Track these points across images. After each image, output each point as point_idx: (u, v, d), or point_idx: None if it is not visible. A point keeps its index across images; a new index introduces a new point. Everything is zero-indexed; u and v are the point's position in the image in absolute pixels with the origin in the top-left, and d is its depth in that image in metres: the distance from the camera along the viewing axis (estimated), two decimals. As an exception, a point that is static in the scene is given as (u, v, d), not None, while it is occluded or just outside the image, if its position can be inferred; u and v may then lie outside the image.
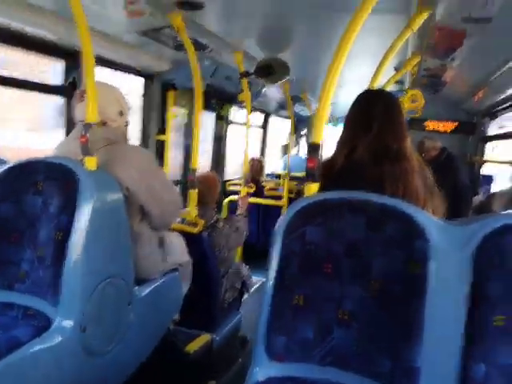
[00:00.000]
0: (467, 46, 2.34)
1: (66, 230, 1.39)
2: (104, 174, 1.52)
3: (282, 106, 5.39)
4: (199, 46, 2.46)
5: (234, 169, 5.35)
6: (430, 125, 4.93)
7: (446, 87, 3.64)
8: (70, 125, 2.34)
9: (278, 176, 5.73)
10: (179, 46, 2.41)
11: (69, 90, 2.34)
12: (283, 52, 2.90)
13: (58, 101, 2.48)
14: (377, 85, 2.22)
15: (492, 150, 4.63)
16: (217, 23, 2.39)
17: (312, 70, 3.59)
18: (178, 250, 2.00)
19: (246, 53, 2.86)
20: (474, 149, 4.78)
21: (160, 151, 3.18)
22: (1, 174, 1.54)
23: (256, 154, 5.66)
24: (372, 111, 1.46)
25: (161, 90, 3.11)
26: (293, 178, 4.54)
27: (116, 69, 2.69)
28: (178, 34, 2.17)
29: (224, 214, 3.77)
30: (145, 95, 3.09)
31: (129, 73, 2.84)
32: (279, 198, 4.35)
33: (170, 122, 3.13)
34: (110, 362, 1.56)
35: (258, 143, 6.08)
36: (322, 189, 1.33)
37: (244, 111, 3.36)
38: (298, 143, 7.14)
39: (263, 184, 4.82)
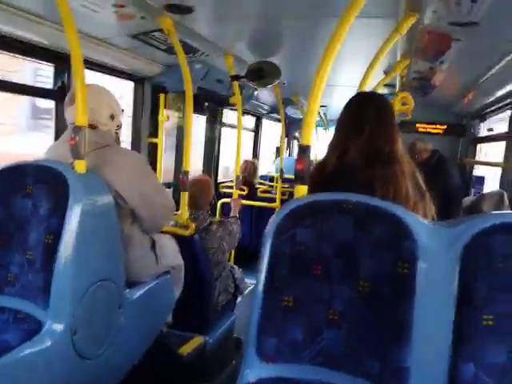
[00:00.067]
0: (455, 50, 2.37)
1: (55, 233, 1.39)
2: (94, 176, 1.52)
3: (274, 109, 5.41)
4: (190, 50, 2.47)
5: (228, 171, 5.36)
6: (421, 127, 4.97)
7: (435, 90, 3.68)
8: (59, 128, 2.33)
9: (272, 178, 5.75)
10: (170, 49, 2.41)
11: (58, 93, 2.33)
12: (274, 55, 2.91)
13: (34, 103, 2.46)
14: (366, 88, 2.24)
15: (485, 154, 4.69)
16: (207, 27, 2.40)
17: (303, 74, 3.61)
18: (170, 253, 2.00)
19: (236, 56, 2.87)
20: (465, 151, 4.83)
21: (152, 154, 3.18)
22: None
23: (250, 157, 5.67)
24: (364, 114, 1.47)
25: (152, 93, 3.11)
26: (286, 180, 4.55)
27: (106, 72, 2.69)
28: (168, 38, 2.17)
29: (217, 216, 3.77)
30: (136, 98, 3.09)
31: (119, 76, 2.83)
32: (272, 200, 4.36)
33: (162, 125, 3.13)
34: (101, 365, 1.55)
35: (251, 146, 6.10)
36: (313, 191, 1.34)
37: (236, 114, 3.36)
38: (289, 146, 7.17)
39: (256, 186, 4.83)
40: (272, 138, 6.80)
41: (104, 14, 1.98)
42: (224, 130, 4.79)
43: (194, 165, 4.48)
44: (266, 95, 4.41)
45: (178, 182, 3.30)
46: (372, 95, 1.64)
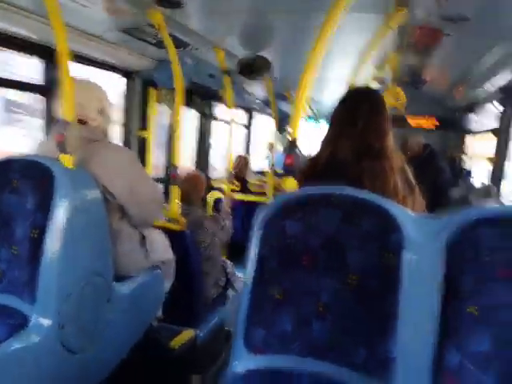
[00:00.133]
0: (446, 44, 2.38)
1: (41, 228, 1.38)
2: (81, 171, 1.51)
3: (266, 104, 5.40)
4: (180, 44, 2.46)
5: (219, 166, 5.35)
6: (412, 121, 5.00)
7: (426, 84, 3.70)
8: (49, 123, 2.31)
9: (264, 173, 5.75)
10: (160, 44, 2.40)
11: (48, 88, 2.31)
12: (265, 50, 2.91)
13: (5, 96, 2.41)
14: (357, 82, 2.25)
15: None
16: (197, 21, 2.39)
17: (294, 68, 3.60)
18: (160, 248, 2.00)
19: (227, 51, 2.86)
20: (455, 144, 4.87)
21: (143, 149, 3.17)
22: None
23: (242, 152, 5.67)
24: (358, 110, 1.47)
25: (142, 88, 3.09)
26: (278, 175, 4.55)
27: (96, 66, 2.66)
28: (158, 32, 2.16)
29: (209, 211, 3.78)
30: (126, 93, 3.07)
31: (109, 70, 2.81)
32: (265, 194, 4.36)
33: (152, 120, 3.12)
34: (90, 360, 1.56)
35: (243, 141, 6.08)
36: (306, 184, 1.35)
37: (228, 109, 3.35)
38: (281, 140, 7.15)
39: (249, 181, 4.83)
40: (263, 134, 6.78)
41: (94, 9, 1.96)
42: (217, 125, 4.77)
43: (186, 160, 4.47)
44: (257, 90, 4.40)
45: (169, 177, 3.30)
46: (367, 91, 1.63)
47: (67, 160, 1.45)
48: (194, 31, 2.48)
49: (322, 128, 6.19)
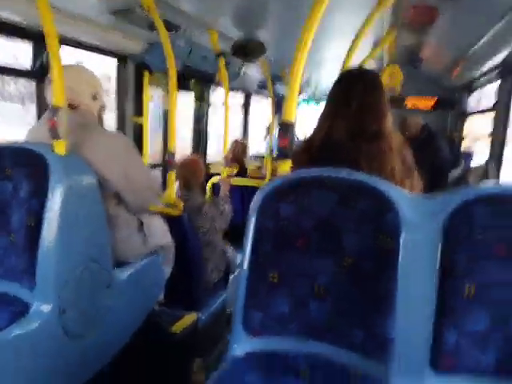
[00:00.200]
0: (442, 22, 2.34)
1: (37, 215, 1.38)
2: (75, 157, 1.50)
3: (263, 86, 5.34)
4: (172, 26, 2.41)
5: (216, 151, 5.31)
6: (410, 102, 4.95)
7: (424, 63, 3.66)
8: (41, 109, 2.29)
9: (263, 157, 5.72)
10: (152, 26, 2.35)
11: (38, 73, 2.27)
12: (259, 31, 2.86)
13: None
14: (353, 62, 2.22)
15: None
16: (189, 2, 2.34)
17: (290, 49, 3.55)
18: (159, 233, 2.00)
19: (221, 32, 2.81)
20: (454, 124, 4.83)
21: (138, 135, 3.14)
22: None
23: (240, 136, 5.63)
24: (352, 90, 1.45)
25: (135, 72, 3.04)
26: (276, 158, 4.52)
27: (87, 50, 2.61)
28: (149, 14, 2.11)
29: (207, 196, 3.77)
30: (118, 77, 3.01)
31: (101, 54, 2.75)
32: (263, 178, 4.36)
33: (147, 105, 3.08)
34: (91, 345, 1.57)
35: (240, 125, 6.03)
36: (301, 166, 1.34)
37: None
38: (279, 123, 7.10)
39: (247, 165, 4.81)
40: (261, 117, 6.72)
41: None
42: (214, 109, 4.72)
43: (183, 144, 4.44)
44: (254, 72, 4.35)
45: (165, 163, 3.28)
46: (362, 72, 1.60)
47: (60, 146, 1.43)
48: (185, 13, 2.43)
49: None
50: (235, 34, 2.88)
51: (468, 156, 4.32)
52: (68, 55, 2.50)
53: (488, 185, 1.41)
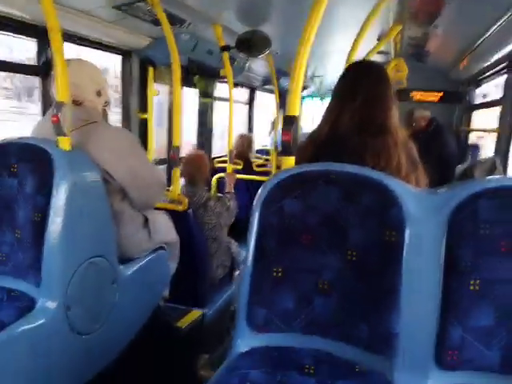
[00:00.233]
0: (449, 13, 2.31)
1: (43, 211, 1.38)
2: (79, 153, 1.50)
3: (268, 81, 5.31)
4: (176, 20, 2.40)
5: (221, 146, 5.30)
6: (416, 95, 4.91)
7: (430, 56, 3.62)
8: (46, 105, 2.29)
9: (268, 152, 5.71)
10: (156, 21, 2.34)
11: (43, 69, 2.27)
12: (264, 24, 2.83)
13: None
14: (359, 55, 2.19)
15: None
16: None
17: (295, 42, 3.52)
18: (164, 229, 2.00)
19: (225, 27, 2.80)
20: (460, 118, 4.79)
21: (144, 131, 3.13)
22: None
23: (245, 131, 5.61)
24: (358, 83, 1.44)
25: (140, 67, 3.03)
26: (280, 153, 4.50)
27: (91, 46, 2.61)
28: (152, 8, 2.11)
29: (213, 191, 3.77)
30: (123, 73, 3.00)
31: (105, 50, 2.75)
32: (268, 173, 4.34)
33: (151, 100, 3.07)
34: (98, 341, 1.58)
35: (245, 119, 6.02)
36: (305, 161, 1.33)
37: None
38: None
39: (252, 160, 4.80)
40: (266, 112, 6.69)
41: None
42: (219, 104, 4.70)
43: (189, 140, 4.44)
44: (259, 66, 4.32)
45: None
46: (369, 64, 1.59)
47: (64, 142, 1.43)
48: (189, 6, 2.41)
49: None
50: (240, 29, 2.86)
51: (475, 149, 4.28)
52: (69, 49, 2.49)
53: (491, 178, 1.39)
